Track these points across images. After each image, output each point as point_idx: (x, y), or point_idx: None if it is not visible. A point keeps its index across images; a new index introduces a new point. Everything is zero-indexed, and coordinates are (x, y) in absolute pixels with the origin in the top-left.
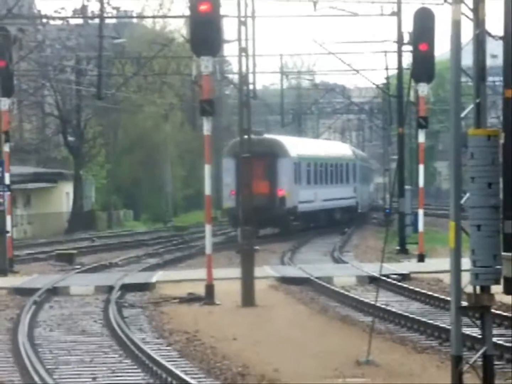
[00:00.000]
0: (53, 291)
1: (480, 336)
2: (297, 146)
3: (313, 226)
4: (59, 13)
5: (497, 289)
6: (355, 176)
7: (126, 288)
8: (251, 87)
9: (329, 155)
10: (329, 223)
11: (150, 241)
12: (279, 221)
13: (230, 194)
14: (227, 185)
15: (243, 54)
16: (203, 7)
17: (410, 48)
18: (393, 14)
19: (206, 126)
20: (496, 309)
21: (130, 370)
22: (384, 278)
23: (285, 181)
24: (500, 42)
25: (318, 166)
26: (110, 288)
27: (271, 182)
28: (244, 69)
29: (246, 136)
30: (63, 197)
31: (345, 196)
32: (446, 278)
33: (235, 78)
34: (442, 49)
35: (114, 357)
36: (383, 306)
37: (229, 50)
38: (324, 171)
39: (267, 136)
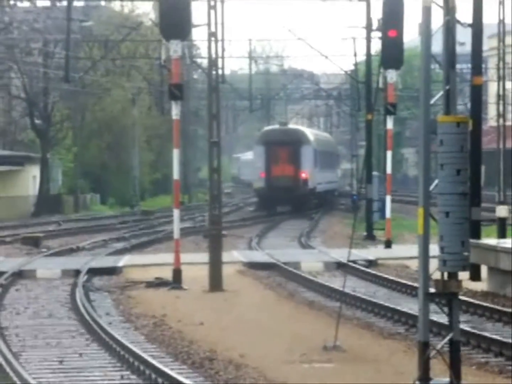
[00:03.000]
0: (20, 275)
1: (447, 323)
2: (313, 135)
3: (323, 204)
4: None
5: (463, 276)
6: (338, 162)
7: (93, 272)
8: (220, 71)
9: (326, 143)
10: (326, 202)
11: (117, 225)
12: (302, 200)
13: (260, 176)
14: (258, 168)
15: (212, 38)
16: None
17: (379, 34)
18: (362, 0)
19: (175, 110)
20: (462, 296)
21: (97, 354)
22: (351, 264)
23: (307, 165)
24: (467, 30)
25: (323, 153)
26: (77, 272)
27: (296, 166)
28: (213, 53)
29: (215, 122)
30: (29, 180)
31: (334, 180)
32: (413, 265)
33: (203, 62)
34: (410, 36)
35: (80, 341)
36: (350, 291)
37: (198, 35)
38: (325, 158)
39: (291, 126)
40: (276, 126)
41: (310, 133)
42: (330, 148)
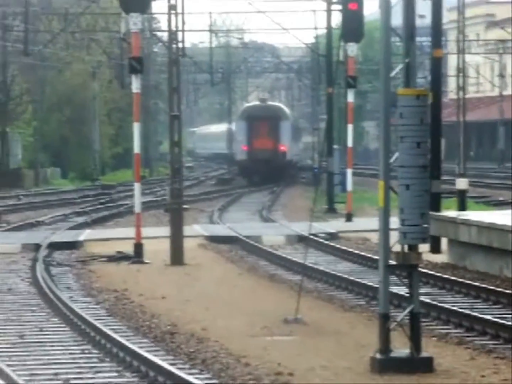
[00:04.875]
0: None
1: (407, 294)
2: (289, 111)
3: (297, 175)
4: None
5: (423, 248)
6: (301, 136)
7: (54, 246)
8: (180, 45)
9: (294, 118)
10: (296, 173)
11: (78, 199)
12: (281, 171)
13: (242, 149)
14: (240, 142)
15: (172, 11)
16: None
17: (339, 7)
18: None
19: (135, 84)
20: (422, 268)
21: (58, 329)
22: (312, 237)
23: (286, 139)
24: (427, 2)
25: (295, 128)
26: (37, 246)
27: (275, 139)
28: (173, 26)
29: (175, 95)
30: None
31: (299, 153)
32: (374, 237)
33: (164, 36)
34: (370, 9)
35: (41, 315)
36: (311, 265)
37: (158, 8)
38: (296, 132)
39: (270, 103)
40: (257, 103)
41: (287, 109)
42: (296, 122)
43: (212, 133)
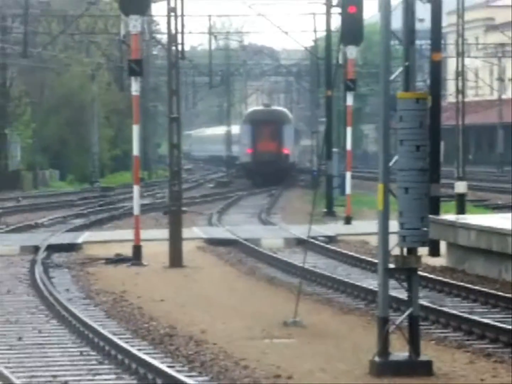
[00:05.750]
0: None
1: (406, 298)
2: (291, 115)
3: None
4: None
5: (423, 251)
6: (300, 138)
7: (52, 248)
8: (179, 47)
9: (295, 121)
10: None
11: (77, 201)
12: (284, 173)
13: (246, 152)
14: (245, 145)
15: (172, 14)
16: None
17: (339, 10)
18: None
19: (135, 87)
20: (421, 271)
21: (56, 330)
22: (311, 240)
23: (289, 142)
24: (426, 6)
25: (296, 131)
26: (36, 248)
27: (279, 143)
28: (172, 29)
29: (174, 97)
30: None
31: (299, 155)
32: (373, 241)
33: (163, 38)
34: (370, 11)
35: (40, 317)
36: (310, 268)
37: (158, 10)
38: (296, 135)
39: (274, 107)
40: (261, 107)
41: (290, 113)
42: (296, 126)
43: (209, 136)
